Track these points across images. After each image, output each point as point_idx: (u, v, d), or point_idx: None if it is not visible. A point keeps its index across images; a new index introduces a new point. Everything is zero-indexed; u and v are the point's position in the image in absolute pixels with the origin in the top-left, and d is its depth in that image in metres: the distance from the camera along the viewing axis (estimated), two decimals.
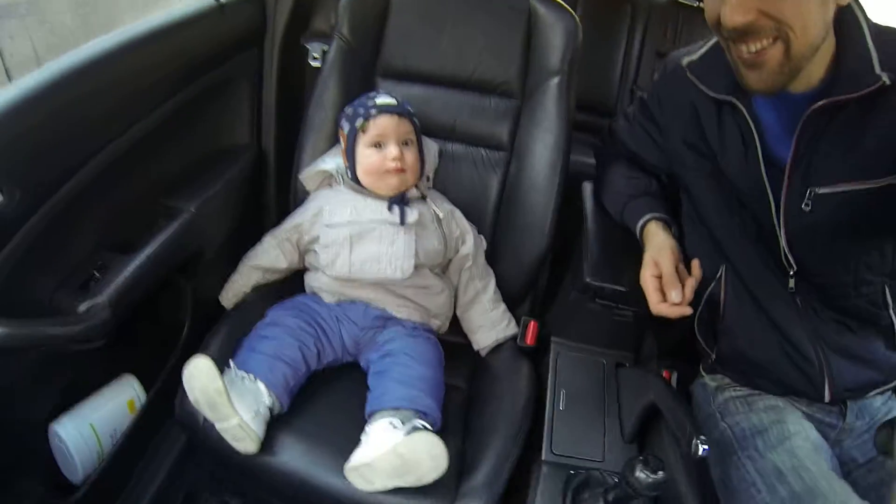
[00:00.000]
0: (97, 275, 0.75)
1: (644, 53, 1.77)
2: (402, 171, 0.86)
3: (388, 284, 0.85)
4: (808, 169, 0.66)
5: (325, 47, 1.02)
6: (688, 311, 0.70)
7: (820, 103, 0.62)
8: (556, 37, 0.96)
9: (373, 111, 0.86)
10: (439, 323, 0.92)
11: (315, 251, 0.88)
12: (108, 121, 0.75)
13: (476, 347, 0.94)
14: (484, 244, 0.95)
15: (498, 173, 0.99)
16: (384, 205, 0.86)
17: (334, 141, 0.96)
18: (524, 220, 0.95)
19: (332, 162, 0.92)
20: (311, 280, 0.90)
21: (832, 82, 0.64)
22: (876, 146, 0.63)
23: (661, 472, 0.61)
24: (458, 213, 0.93)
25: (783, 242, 0.69)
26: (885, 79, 0.59)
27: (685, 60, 0.75)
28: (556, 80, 0.96)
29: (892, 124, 0.62)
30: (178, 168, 0.93)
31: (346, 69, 0.98)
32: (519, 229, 0.96)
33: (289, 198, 1.00)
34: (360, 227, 0.84)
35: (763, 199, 0.69)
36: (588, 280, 0.82)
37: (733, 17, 0.58)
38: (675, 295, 0.70)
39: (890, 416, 0.75)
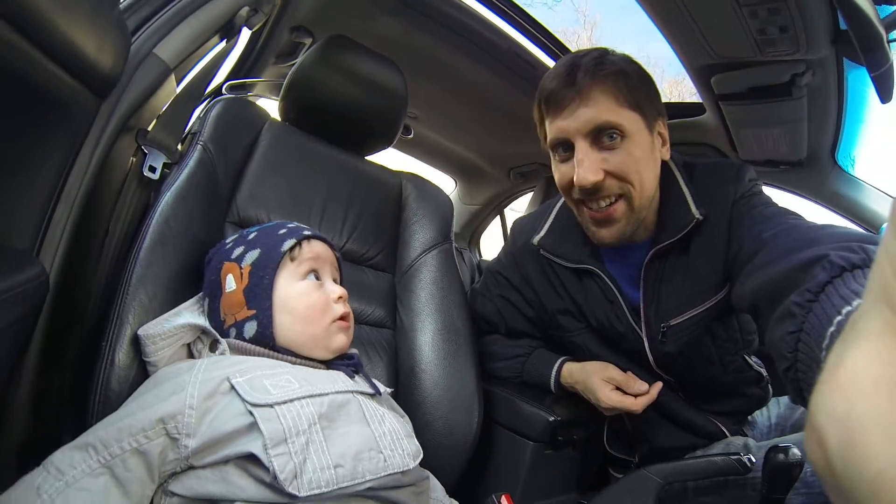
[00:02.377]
0: None
1: None
2: (347, 322, 0.64)
3: (383, 489, 0.52)
4: (657, 307, 0.76)
5: (167, 161, 0.75)
6: (659, 385, 0.75)
7: (651, 252, 0.73)
8: (429, 214, 0.94)
9: (305, 232, 0.65)
10: None
11: (226, 467, 0.48)
12: None
13: None
14: None
15: (387, 353, 0.83)
16: (336, 372, 0.60)
17: (182, 289, 0.65)
18: (446, 394, 0.78)
19: (200, 318, 0.62)
20: None
21: (661, 228, 0.74)
22: (703, 272, 0.73)
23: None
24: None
25: (654, 365, 0.78)
26: (698, 215, 0.70)
27: (535, 239, 0.82)
28: (434, 251, 0.91)
29: (711, 251, 0.72)
30: None
31: (207, 190, 0.72)
32: (439, 410, 0.78)
33: (89, 374, 0.58)
34: (329, 402, 0.53)
35: (636, 337, 0.77)
36: (552, 419, 0.77)
37: (586, 176, 0.66)
38: (638, 386, 0.74)
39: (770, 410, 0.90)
